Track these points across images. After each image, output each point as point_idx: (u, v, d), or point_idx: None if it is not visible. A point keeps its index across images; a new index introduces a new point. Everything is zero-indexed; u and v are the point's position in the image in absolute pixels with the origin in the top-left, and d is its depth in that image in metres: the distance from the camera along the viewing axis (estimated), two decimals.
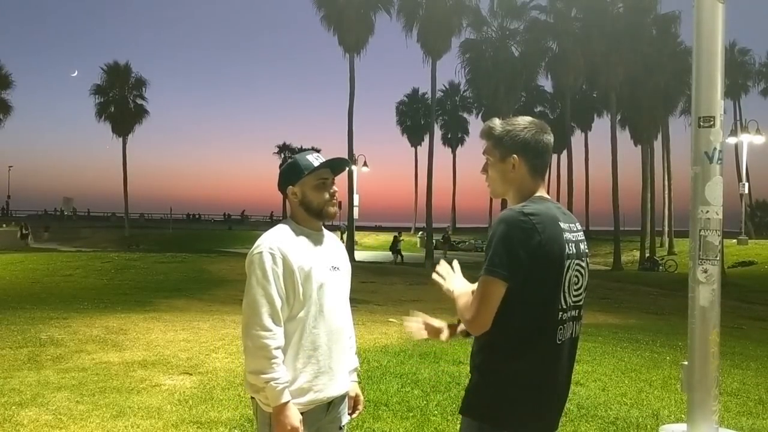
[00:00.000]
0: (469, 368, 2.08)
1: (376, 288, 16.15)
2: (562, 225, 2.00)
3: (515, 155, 2.06)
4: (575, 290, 2.02)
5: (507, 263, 1.88)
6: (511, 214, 1.94)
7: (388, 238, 60.11)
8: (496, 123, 2.14)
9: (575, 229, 2.07)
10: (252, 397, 2.36)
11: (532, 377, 1.95)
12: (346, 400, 2.53)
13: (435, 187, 36.84)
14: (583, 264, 2.07)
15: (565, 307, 1.99)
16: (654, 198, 43.35)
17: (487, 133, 2.14)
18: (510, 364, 1.94)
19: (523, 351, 1.93)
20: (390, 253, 35.85)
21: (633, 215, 57.70)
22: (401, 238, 37.66)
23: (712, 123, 2.50)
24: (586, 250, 2.11)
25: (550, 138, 2.11)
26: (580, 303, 2.07)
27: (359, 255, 36.00)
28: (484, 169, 2.17)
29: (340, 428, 2.48)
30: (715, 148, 2.51)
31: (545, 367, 1.97)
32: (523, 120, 2.12)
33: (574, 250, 2.02)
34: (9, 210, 68.79)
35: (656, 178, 45.68)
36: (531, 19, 38.93)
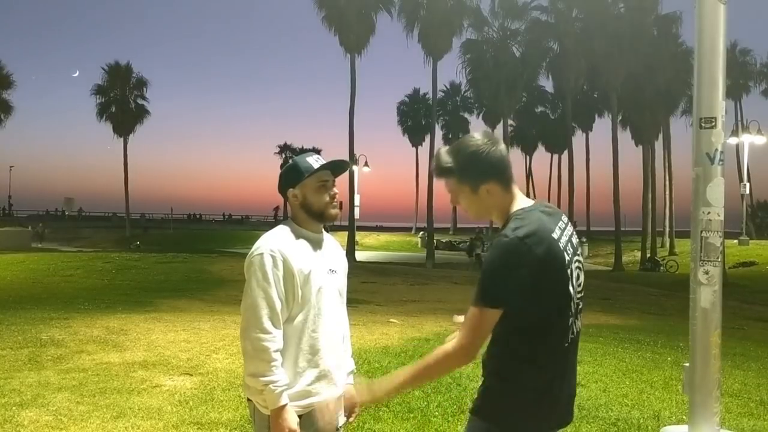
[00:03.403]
0: (481, 372, 2.09)
1: (377, 288, 16.13)
2: (555, 234, 1.96)
3: (485, 183, 1.99)
4: (577, 287, 2.03)
5: (501, 292, 1.87)
6: (508, 242, 1.88)
7: (388, 238, 60.21)
8: (449, 157, 2.01)
9: (563, 226, 2.03)
10: (249, 399, 2.35)
11: (545, 380, 1.97)
12: (343, 401, 2.52)
13: (435, 187, 36.68)
14: (580, 259, 2.08)
15: (574, 311, 2.01)
16: (655, 198, 43.35)
17: (446, 171, 2.02)
18: (525, 369, 1.96)
19: (538, 356, 1.95)
20: (467, 256, 33.86)
21: (634, 215, 57.66)
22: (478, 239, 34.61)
23: (713, 124, 2.50)
24: (578, 242, 2.10)
25: (503, 146, 2.03)
26: (582, 296, 2.08)
27: (361, 255, 35.96)
28: (455, 202, 2.08)
29: (337, 429, 2.48)
30: (716, 149, 2.50)
31: (556, 370, 2.00)
32: (473, 142, 2.00)
33: (571, 251, 2.01)
34: (11, 210, 68.84)
35: (657, 178, 45.68)
36: (532, 20, 38.95)
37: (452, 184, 2.04)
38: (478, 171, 1.98)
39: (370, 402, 2.10)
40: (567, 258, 1.97)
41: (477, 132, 2.07)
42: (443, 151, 2.05)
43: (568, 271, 1.97)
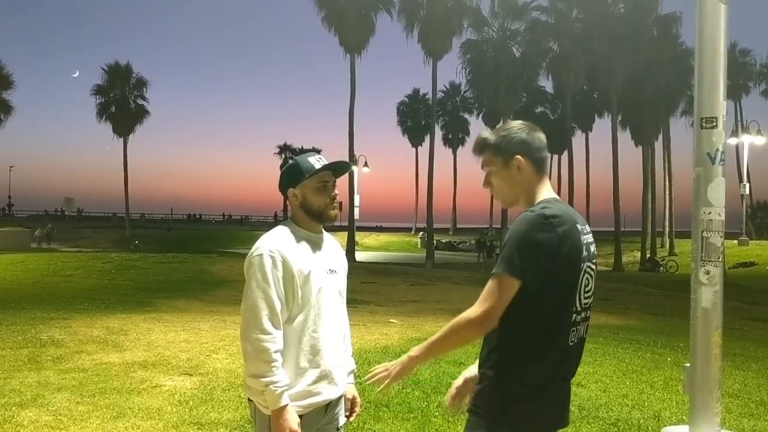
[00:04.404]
0: (478, 370, 2.08)
1: (377, 288, 16.13)
2: (579, 227, 2.01)
3: (518, 155, 2.05)
4: (586, 292, 2.04)
5: (524, 264, 1.88)
6: (532, 216, 1.93)
7: (388, 238, 60.27)
8: (488, 133, 2.14)
9: (586, 231, 2.07)
10: (250, 400, 2.35)
11: (546, 379, 1.96)
12: (343, 401, 2.52)
13: (436, 187, 36.89)
14: (593, 266, 2.08)
15: (579, 309, 2.00)
16: (655, 198, 43.39)
17: (483, 145, 2.12)
18: (527, 366, 1.95)
19: (541, 353, 1.94)
20: (487, 257, 33.96)
21: (634, 216, 57.70)
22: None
23: (714, 124, 2.49)
24: (596, 252, 2.12)
25: (543, 136, 2.12)
26: (589, 304, 2.08)
27: (361, 255, 35.94)
28: (488, 182, 2.14)
29: (338, 429, 2.48)
30: (717, 149, 2.50)
31: (558, 369, 1.99)
32: (514, 123, 2.13)
33: (588, 252, 2.03)
34: (11, 210, 68.81)
35: (657, 178, 45.73)
36: (532, 20, 38.95)
37: (487, 157, 2.12)
38: (511, 144, 2.07)
39: (402, 366, 2.09)
40: (584, 254, 1.99)
41: (519, 121, 2.17)
42: (485, 130, 2.19)
43: (582, 265, 1.98)
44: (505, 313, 1.95)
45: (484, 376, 2.04)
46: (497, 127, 2.18)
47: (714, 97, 2.49)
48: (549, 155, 2.15)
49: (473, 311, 1.92)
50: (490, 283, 1.91)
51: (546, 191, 2.08)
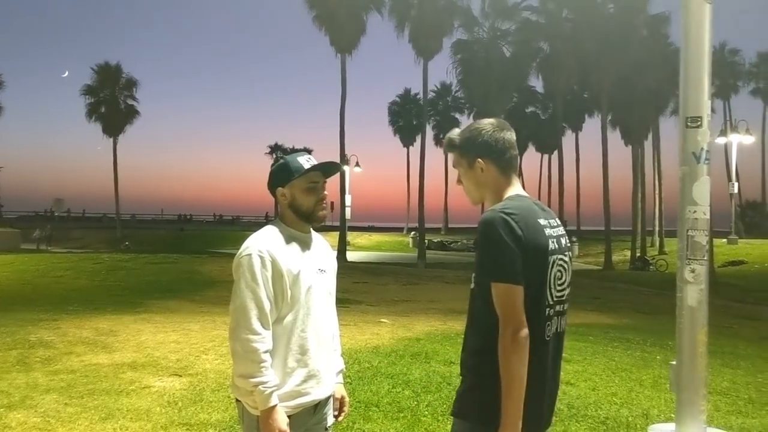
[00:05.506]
0: (460, 371, 2.07)
1: (369, 288, 16.12)
2: (542, 222, 2.02)
3: (480, 159, 2.10)
4: (559, 285, 2.04)
5: (510, 265, 1.89)
6: (493, 216, 1.95)
7: (380, 238, 60.21)
8: (455, 133, 2.21)
9: (554, 224, 2.08)
10: (237, 400, 2.35)
11: (528, 376, 1.94)
12: (332, 401, 2.52)
13: (427, 187, 36.92)
14: (566, 259, 2.09)
15: (551, 302, 2.01)
16: (645, 198, 43.56)
17: (450, 145, 2.19)
18: None
19: None
20: None
21: (624, 215, 58.03)
22: None
23: (699, 123, 2.51)
24: (568, 245, 2.13)
25: (511, 135, 2.14)
26: (564, 298, 2.08)
27: (353, 255, 35.90)
28: (459, 181, 2.21)
29: (326, 429, 2.48)
30: (702, 149, 2.52)
31: (535, 364, 1.97)
32: (481, 123, 2.16)
33: (557, 246, 2.03)
34: (0, 211, 68.28)
35: (647, 178, 45.92)
36: (522, 20, 39.02)
37: (455, 158, 2.18)
38: (476, 146, 2.11)
39: None
40: (551, 247, 2.00)
41: (490, 119, 2.20)
42: (455, 129, 2.24)
43: (550, 258, 1.99)
44: (478, 314, 1.97)
45: (465, 379, 2.04)
46: (465, 126, 2.21)
47: (699, 96, 2.52)
48: (518, 153, 2.17)
49: (504, 336, 1.88)
50: (500, 296, 1.90)
51: (512, 189, 2.11)
